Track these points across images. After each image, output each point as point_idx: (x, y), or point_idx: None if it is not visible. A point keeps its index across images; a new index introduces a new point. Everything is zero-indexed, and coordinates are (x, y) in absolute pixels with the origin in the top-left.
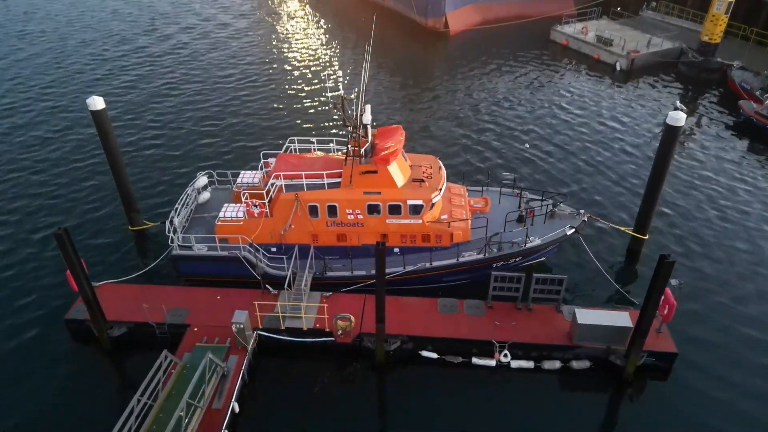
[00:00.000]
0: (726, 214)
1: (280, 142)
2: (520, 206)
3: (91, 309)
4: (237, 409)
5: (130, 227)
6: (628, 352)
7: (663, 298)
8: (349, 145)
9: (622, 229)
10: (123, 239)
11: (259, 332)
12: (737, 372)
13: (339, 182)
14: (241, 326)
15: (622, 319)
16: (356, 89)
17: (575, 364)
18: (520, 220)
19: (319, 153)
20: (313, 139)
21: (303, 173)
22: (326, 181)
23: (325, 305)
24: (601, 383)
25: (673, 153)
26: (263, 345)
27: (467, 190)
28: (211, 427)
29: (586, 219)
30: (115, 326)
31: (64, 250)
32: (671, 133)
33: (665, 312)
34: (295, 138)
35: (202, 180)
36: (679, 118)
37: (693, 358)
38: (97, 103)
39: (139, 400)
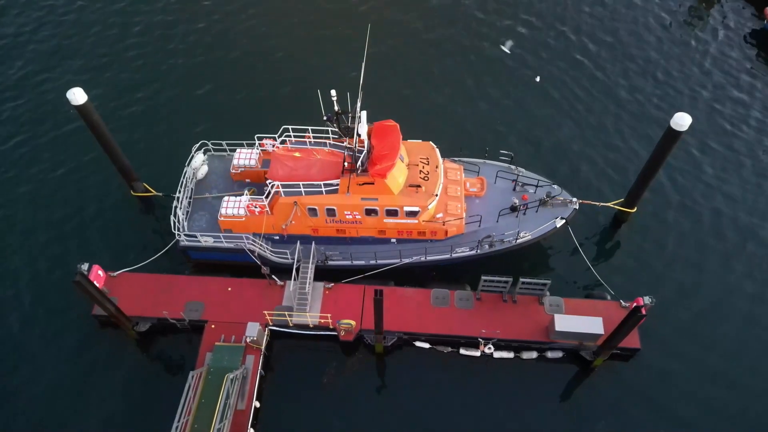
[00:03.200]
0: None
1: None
2: (515, 189)
3: (117, 320)
4: (258, 406)
5: (132, 192)
6: (597, 352)
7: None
8: (346, 163)
9: (611, 205)
10: (129, 213)
11: (270, 328)
12: (693, 367)
13: (337, 188)
14: (254, 338)
15: (595, 326)
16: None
17: (550, 354)
18: (513, 209)
19: (317, 155)
20: (309, 128)
21: (301, 184)
22: (324, 189)
23: (329, 315)
24: (571, 369)
25: (669, 154)
26: (274, 334)
27: (464, 169)
28: (238, 427)
29: (577, 207)
30: (140, 322)
31: (87, 292)
32: (672, 136)
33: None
34: (290, 127)
35: (198, 157)
36: (683, 123)
37: (652, 348)
38: (78, 97)
39: (176, 427)
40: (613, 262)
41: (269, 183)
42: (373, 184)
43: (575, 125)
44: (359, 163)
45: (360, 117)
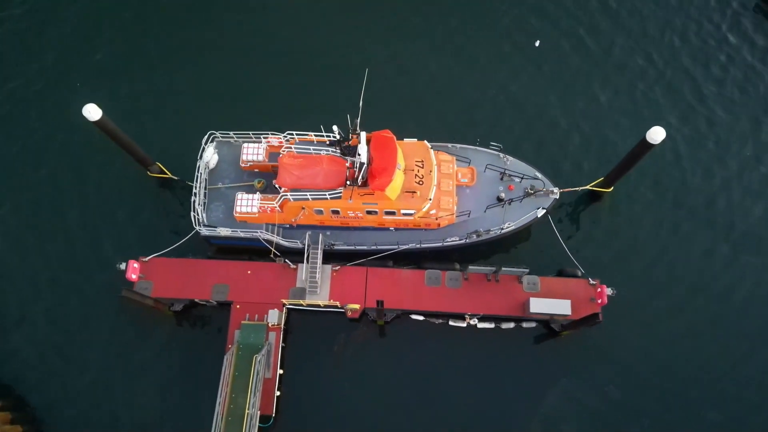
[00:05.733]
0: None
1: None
2: (502, 178)
3: (155, 308)
4: (281, 373)
5: (148, 173)
6: (565, 326)
7: (600, 291)
8: (348, 181)
9: (589, 187)
10: (148, 194)
11: (287, 307)
12: (650, 334)
13: (340, 195)
14: (275, 323)
15: (564, 307)
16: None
17: (524, 325)
18: (500, 200)
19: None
20: (312, 134)
21: (308, 194)
22: (328, 196)
23: (338, 303)
24: (542, 336)
25: (640, 160)
26: (290, 310)
27: (456, 159)
28: (267, 393)
29: (557, 197)
30: (175, 303)
31: (132, 301)
32: (645, 147)
33: (599, 302)
34: (294, 132)
35: (209, 152)
36: (657, 138)
37: (614, 317)
38: (93, 113)
39: (219, 402)
40: (585, 240)
41: (278, 187)
42: (373, 194)
43: (570, 96)
44: (360, 177)
45: (360, 138)
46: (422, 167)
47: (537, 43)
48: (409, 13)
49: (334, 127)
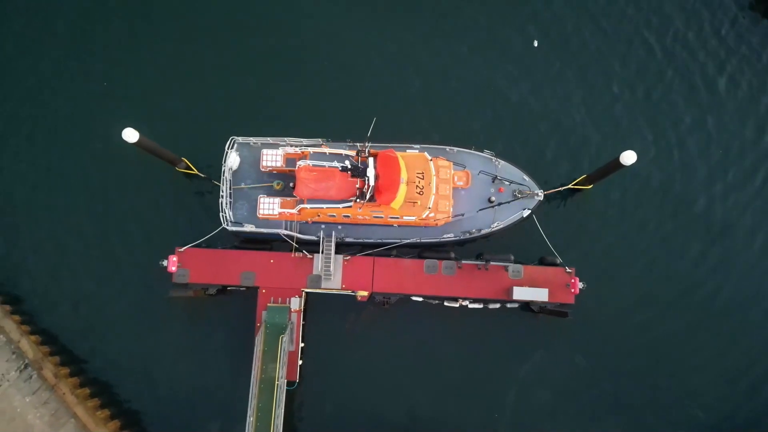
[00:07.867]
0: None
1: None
2: (494, 181)
3: (195, 294)
4: (303, 345)
5: (176, 168)
6: (542, 308)
7: (573, 282)
8: (358, 199)
9: (571, 186)
10: (177, 189)
11: (305, 291)
12: (617, 313)
13: (351, 205)
14: (296, 308)
15: (542, 295)
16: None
17: (508, 305)
18: (490, 202)
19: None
20: (326, 150)
21: (324, 206)
22: (340, 206)
23: (347, 290)
24: (523, 316)
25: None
26: (308, 294)
27: (453, 164)
28: (291, 362)
29: (542, 198)
30: (210, 287)
31: (180, 298)
32: (617, 166)
33: (572, 291)
34: (309, 148)
35: (232, 157)
36: (628, 162)
37: (585, 298)
38: (131, 137)
39: (253, 375)
40: (565, 231)
41: (296, 196)
42: (379, 206)
43: (565, 96)
44: (368, 195)
45: (368, 162)
46: (422, 179)
47: (535, 43)
48: (417, 17)
49: (347, 162)
